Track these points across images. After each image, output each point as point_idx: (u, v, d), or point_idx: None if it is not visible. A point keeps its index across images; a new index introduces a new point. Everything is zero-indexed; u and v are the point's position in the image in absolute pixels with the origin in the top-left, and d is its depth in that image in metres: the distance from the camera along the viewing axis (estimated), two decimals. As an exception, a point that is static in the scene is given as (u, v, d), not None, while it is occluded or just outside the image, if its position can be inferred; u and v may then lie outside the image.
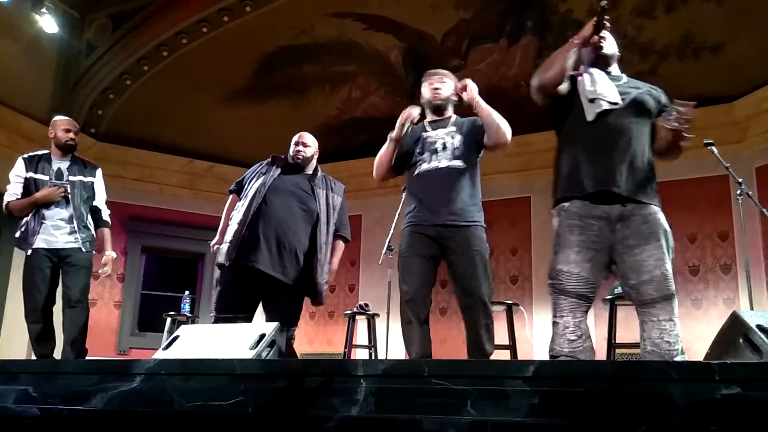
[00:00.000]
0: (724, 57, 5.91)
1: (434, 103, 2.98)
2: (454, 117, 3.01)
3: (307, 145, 3.35)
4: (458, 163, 2.85)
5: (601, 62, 2.46)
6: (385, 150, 2.98)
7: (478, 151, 2.94)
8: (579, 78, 2.45)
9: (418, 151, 2.93)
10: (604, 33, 2.43)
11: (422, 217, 2.83)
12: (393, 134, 2.94)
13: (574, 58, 2.40)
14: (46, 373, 2.05)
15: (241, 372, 1.76)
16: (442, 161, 2.86)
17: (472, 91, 2.91)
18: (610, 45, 2.48)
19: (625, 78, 2.49)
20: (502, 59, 6.73)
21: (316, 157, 3.42)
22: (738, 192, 3.81)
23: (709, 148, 3.73)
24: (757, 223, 5.52)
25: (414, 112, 2.92)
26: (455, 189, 2.80)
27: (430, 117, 3.02)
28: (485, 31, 6.57)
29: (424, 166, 2.89)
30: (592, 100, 2.35)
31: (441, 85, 3.00)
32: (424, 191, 2.86)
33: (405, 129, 2.90)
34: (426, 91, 3.03)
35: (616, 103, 2.33)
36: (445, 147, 2.87)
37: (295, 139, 3.38)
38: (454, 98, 3.02)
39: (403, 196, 4.11)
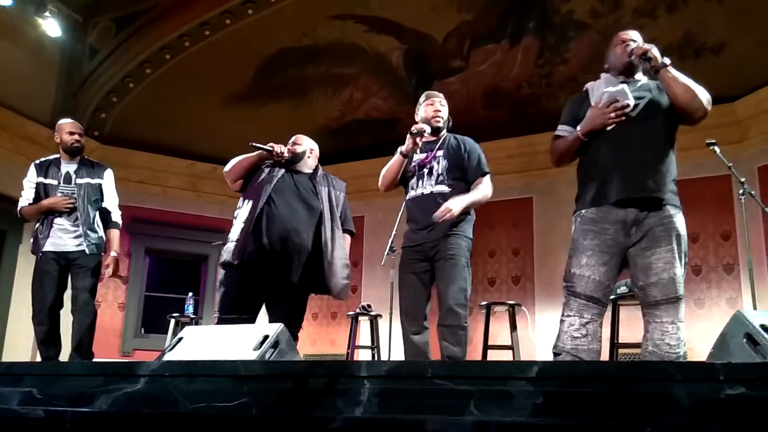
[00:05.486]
0: (725, 57, 5.90)
1: (434, 126, 3.05)
2: (443, 137, 3.07)
3: (297, 143, 3.36)
4: (442, 188, 2.93)
5: (629, 69, 2.48)
6: (393, 163, 3.06)
7: (464, 172, 2.99)
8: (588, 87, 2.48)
9: (410, 173, 3.03)
10: (634, 37, 2.48)
11: (412, 238, 2.97)
12: (403, 148, 2.99)
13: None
14: (50, 375, 2.05)
15: (245, 373, 1.76)
16: (427, 188, 2.96)
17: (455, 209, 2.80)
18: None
19: (642, 79, 2.49)
20: (504, 60, 6.73)
21: (316, 157, 3.43)
22: (740, 192, 3.81)
23: (711, 148, 3.73)
24: (760, 223, 5.52)
25: (426, 128, 2.97)
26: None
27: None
28: (486, 32, 6.57)
29: (412, 193, 3.01)
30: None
31: (442, 108, 3.09)
32: (413, 216, 3.00)
33: (416, 146, 2.96)
34: (428, 110, 3.08)
35: (628, 105, 2.34)
36: (431, 172, 2.95)
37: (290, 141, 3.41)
38: (440, 123, 3.09)
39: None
